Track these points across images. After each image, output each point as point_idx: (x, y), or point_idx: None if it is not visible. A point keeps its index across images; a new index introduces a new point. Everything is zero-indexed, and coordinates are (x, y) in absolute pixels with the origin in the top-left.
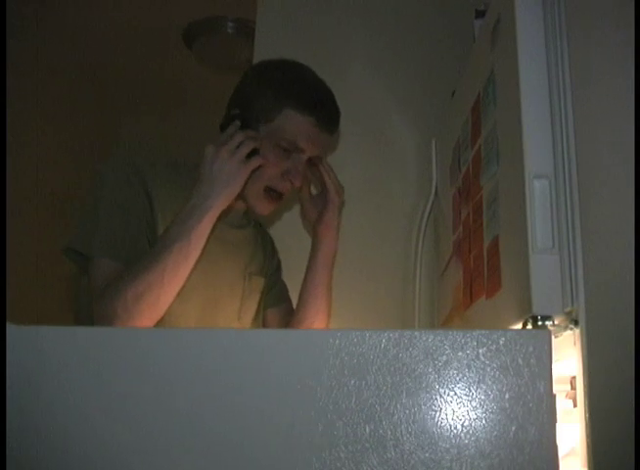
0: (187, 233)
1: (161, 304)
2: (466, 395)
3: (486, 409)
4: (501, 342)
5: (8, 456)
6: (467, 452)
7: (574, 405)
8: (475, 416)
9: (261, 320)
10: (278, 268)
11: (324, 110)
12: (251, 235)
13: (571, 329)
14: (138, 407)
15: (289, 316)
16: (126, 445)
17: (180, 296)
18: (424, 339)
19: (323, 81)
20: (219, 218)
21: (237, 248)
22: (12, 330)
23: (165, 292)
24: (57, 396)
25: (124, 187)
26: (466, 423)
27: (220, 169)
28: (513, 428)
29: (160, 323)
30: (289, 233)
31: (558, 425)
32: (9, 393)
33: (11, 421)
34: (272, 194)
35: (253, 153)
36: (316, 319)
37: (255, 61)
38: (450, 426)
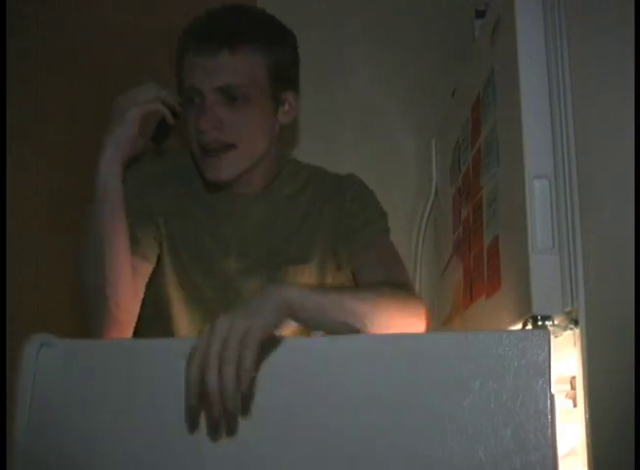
0: (94, 188)
1: (99, 266)
2: (465, 394)
3: (486, 409)
4: (501, 342)
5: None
6: (466, 452)
7: (574, 405)
8: (475, 416)
9: None
10: (357, 236)
11: (200, 33)
12: (291, 210)
13: (571, 329)
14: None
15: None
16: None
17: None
18: (423, 340)
19: (223, 9)
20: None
21: (255, 233)
22: (63, 344)
23: (92, 251)
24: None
25: (133, 205)
26: (466, 423)
27: (115, 111)
28: (512, 428)
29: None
30: None
31: (558, 425)
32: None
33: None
34: (203, 151)
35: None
36: None
37: None
38: (449, 426)
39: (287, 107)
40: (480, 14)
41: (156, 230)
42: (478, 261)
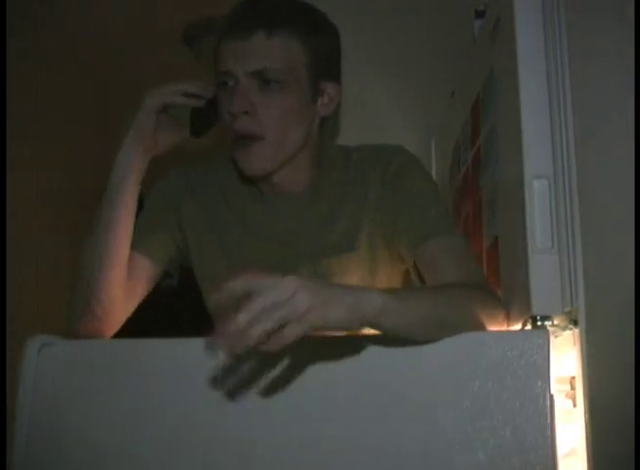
0: (106, 192)
1: (90, 254)
2: (465, 395)
3: (486, 409)
4: (501, 342)
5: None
6: (466, 452)
7: (574, 405)
8: (474, 416)
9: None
10: (416, 225)
11: (236, 17)
12: (327, 202)
13: (571, 329)
14: (169, 417)
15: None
16: (151, 456)
17: None
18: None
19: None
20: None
21: (296, 229)
22: (62, 344)
23: (90, 238)
24: (89, 406)
25: (159, 206)
26: (465, 423)
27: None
28: (513, 428)
29: None
30: None
31: (558, 425)
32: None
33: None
34: (235, 140)
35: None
36: None
37: None
38: (449, 426)
39: (326, 98)
40: (480, 14)
41: (179, 237)
42: (477, 262)
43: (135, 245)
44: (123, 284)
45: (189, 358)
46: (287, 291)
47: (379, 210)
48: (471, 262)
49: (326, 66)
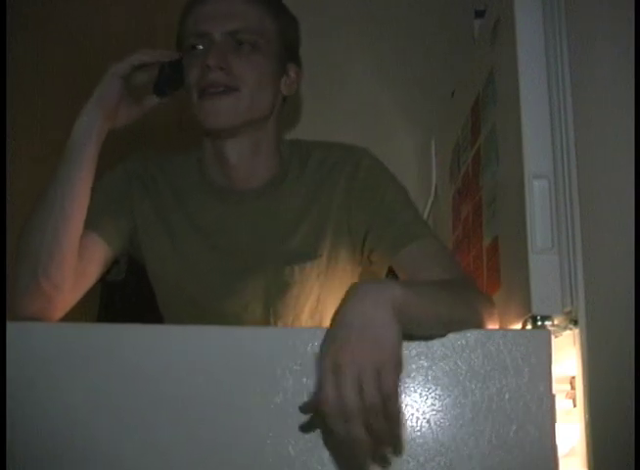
0: (63, 158)
1: (42, 226)
2: (466, 394)
3: (486, 409)
4: (501, 342)
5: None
6: (467, 452)
7: (574, 405)
8: (475, 416)
9: None
10: (391, 230)
11: None
12: (288, 204)
13: (571, 329)
14: (127, 402)
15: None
16: (117, 439)
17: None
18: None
19: None
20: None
21: (254, 233)
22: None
23: (42, 209)
24: (48, 391)
25: (113, 194)
26: (466, 423)
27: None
28: (513, 428)
29: None
30: None
31: (558, 425)
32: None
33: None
34: (203, 94)
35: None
36: None
37: None
38: (450, 426)
39: (289, 79)
40: (480, 14)
41: (133, 229)
42: (477, 262)
43: (90, 225)
44: (75, 259)
45: (142, 344)
46: (351, 373)
47: (346, 217)
48: (453, 262)
49: (291, 48)
